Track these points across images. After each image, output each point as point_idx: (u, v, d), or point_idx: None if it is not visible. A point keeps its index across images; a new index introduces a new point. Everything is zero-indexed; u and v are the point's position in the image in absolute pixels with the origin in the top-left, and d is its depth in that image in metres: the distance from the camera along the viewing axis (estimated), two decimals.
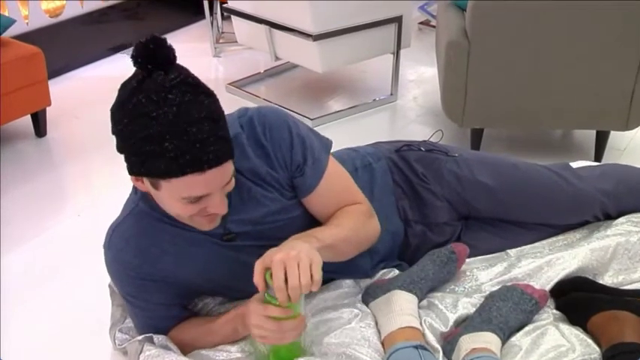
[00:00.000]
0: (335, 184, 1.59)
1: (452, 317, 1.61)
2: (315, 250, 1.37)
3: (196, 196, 1.34)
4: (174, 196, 1.35)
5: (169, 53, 1.30)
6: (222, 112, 1.36)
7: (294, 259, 1.32)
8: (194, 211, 1.38)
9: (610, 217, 1.86)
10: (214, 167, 1.31)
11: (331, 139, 1.66)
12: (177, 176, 1.30)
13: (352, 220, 1.56)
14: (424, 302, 1.67)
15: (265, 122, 1.54)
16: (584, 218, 1.85)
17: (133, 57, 1.30)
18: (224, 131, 1.34)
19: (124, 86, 1.34)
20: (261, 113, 1.55)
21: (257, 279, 1.34)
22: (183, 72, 1.31)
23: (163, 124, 1.27)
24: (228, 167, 1.36)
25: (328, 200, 1.59)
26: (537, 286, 1.67)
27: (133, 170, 1.37)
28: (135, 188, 1.57)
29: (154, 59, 1.29)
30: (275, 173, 1.54)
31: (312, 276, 1.32)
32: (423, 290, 1.66)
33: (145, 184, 1.39)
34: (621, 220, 1.81)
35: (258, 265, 1.35)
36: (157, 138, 1.27)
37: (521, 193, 1.82)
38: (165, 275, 1.55)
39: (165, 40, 1.30)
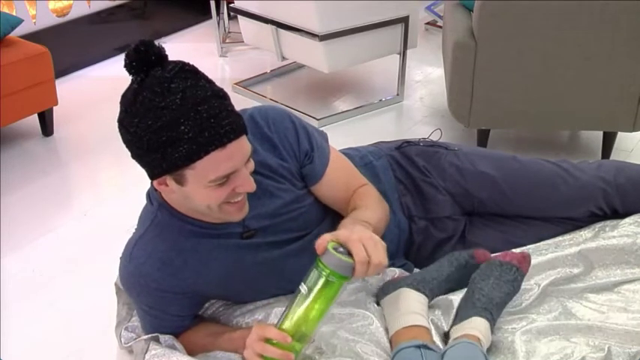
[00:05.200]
0: (340, 170, 1.64)
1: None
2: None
3: (224, 175, 1.34)
4: (202, 183, 1.34)
5: (160, 51, 1.32)
6: (226, 92, 1.37)
7: (371, 240, 1.36)
8: (224, 195, 1.38)
9: (616, 211, 1.84)
10: (234, 140, 1.32)
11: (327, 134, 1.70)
12: (201, 157, 1.30)
13: (375, 200, 1.63)
14: (438, 302, 1.65)
15: (267, 117, 1.57)
16: (588, 208, 1.83)
17: (126, 66, 1.31)
18: (232, 107, 1.36)
19: (124, 95, 1.34)
20: (261, 110, 1.59)
21: (320, 242, 1.36)
22: (180, 62, 1.33)
23: (174, 109, 1.28)
24: (246, 142, 1.37)
25: (337, 185, 1.63)
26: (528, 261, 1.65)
27: (154, 172, 1.36)
28: (150, 198, 1.56)
29: (148, 59, 1.30)
30: (285, 163, 1.56)
31: None
32: (434, 291, 1.64)
33: (170, 185, 1.38)
34: (628, 220, 1.81)
35: (326, 237, 1.37)
36: (171, 124, 1.28)
37: (523, 183, 1.83)
38: (186, 286, 1.55)
39: (152, 41, 1.32)
